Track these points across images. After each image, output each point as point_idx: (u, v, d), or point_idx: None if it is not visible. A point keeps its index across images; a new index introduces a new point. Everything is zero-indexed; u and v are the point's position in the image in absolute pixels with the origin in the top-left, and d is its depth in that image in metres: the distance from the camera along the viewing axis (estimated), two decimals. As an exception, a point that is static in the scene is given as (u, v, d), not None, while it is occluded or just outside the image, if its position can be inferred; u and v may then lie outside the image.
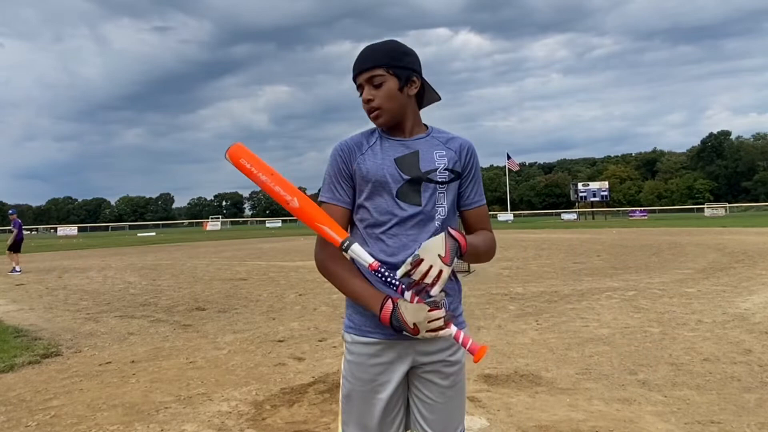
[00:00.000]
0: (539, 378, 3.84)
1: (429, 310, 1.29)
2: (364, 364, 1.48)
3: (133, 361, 4.66)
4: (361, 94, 1.51)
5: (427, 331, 1.30)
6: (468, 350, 1.33)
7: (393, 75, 1.48)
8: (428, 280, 1.28)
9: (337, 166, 1.52)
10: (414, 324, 1.30)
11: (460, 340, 1.34)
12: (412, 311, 1.31)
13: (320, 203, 1.53)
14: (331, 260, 1.48)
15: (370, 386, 1.47)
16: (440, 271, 1.28)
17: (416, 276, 1.28)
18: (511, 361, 4.30)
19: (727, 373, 3.80)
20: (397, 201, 1.47)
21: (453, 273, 1.49)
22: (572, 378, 3.82)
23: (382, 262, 1.39)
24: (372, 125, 1.56)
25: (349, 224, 1.56)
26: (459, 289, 1.59)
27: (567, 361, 4.24)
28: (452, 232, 1.34)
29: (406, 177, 1.48)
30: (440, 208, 1.50)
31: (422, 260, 1.28)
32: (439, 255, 1.29)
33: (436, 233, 1.45)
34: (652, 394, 3.44)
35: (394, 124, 1.52)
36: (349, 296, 1.48)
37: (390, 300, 1.35)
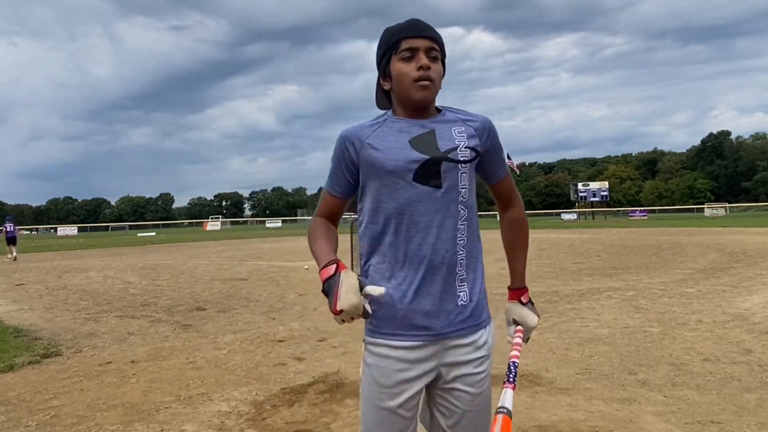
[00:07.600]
0: (539, 378, 3.84)
1: (363, 313, 1.24)
2: (389, 368, 1.37)
3: (133, 361, 4.66)
4: (409, 57, 1.37)
5: (343, 319, 1.22)
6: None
7: (442, 60, 1.44)
8: (517, 342, 1.49)
9: (341, 153, 1.42)
10: (341, 309, 1.20)
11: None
12: (347, 286, 1.22)
13: (324, 189, 1.50)
14: (317, 224, 1.49)
15: (389, 394, 1.37)
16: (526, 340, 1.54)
17: (520, 339, 1.52)
18: (511, 361, 4.29)
19: (727, 373, 3.80)
20: (415, 184, 1.35)
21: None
22: (572, 378, 3.82)
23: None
24: (379, 113, 1.48)
25: (341, 217, 1.51)
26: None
27: (567, 361, 4.24)
28: (524, 300, 1.54)
29: (424, 157, 1.35)
30: (463, 189, 1.38)
31: (523, 330, 1.53)
32: (531, 328, 1.54)
33: (459, 216, 1.38)
34: (652, 394, 3.44)
35: (427, 105, 1.41)
36: (312, 254, 1.43)
37: (336, 265, 1.29)
